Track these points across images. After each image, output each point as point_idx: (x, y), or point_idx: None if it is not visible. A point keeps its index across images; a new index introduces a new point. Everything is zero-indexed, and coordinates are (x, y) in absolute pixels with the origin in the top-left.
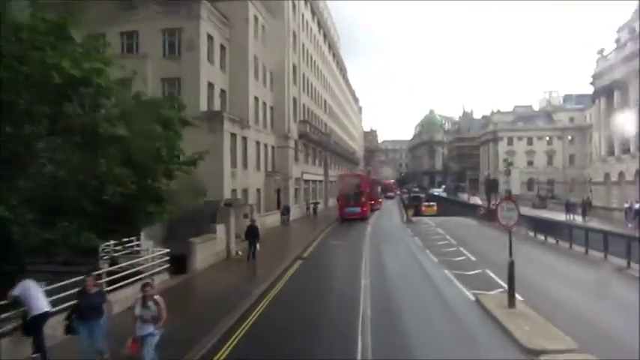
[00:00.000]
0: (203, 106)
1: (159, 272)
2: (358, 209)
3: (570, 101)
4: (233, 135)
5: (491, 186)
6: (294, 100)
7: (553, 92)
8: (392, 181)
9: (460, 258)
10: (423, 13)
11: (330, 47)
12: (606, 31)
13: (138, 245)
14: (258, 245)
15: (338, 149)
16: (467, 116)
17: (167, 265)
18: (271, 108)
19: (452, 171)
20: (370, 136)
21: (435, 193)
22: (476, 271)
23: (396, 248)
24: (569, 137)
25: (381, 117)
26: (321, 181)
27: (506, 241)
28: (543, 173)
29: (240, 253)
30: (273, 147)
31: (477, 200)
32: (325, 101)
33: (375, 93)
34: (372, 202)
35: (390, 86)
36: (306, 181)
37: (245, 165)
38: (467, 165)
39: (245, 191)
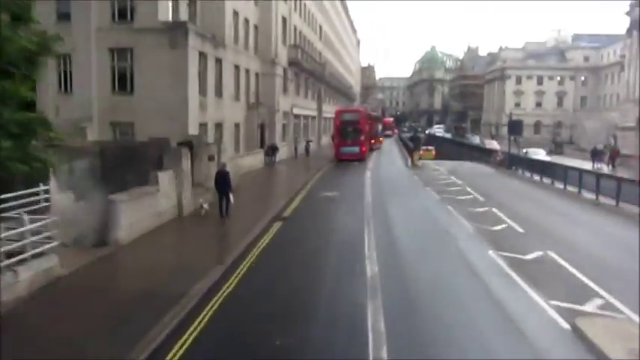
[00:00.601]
0: (164, 16)
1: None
2: (356, 149)
3: (581, 40)
4: (203, 55)
5: (515, 128)
6: (284, 20)
7: (562, 30)
8: (391, 118)
9: (500, 226)
10: None
11: None
12: None
13: (46, 200)
14: (231, 196)
15: (333, 82)
16: (471, 53)
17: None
18: (255, 27)
19: (452, 110)
20: (368, 71)
21: (438, 134)
22: (536, 254)
23: (407, 205)
24: (582, 78)
25: (379, 52)
26: (313, 117)
27: (548, 200)
28: (552, 116)
29: (206, 207)
30: (257, 74)
31: (493, 144)
32: (320, 27)
33: (374, 26)
34: (373, 141)
35: (390, 20)
36: (297, 116)
37: (219, 94)
38: (469, 104)
39: (218, 126)
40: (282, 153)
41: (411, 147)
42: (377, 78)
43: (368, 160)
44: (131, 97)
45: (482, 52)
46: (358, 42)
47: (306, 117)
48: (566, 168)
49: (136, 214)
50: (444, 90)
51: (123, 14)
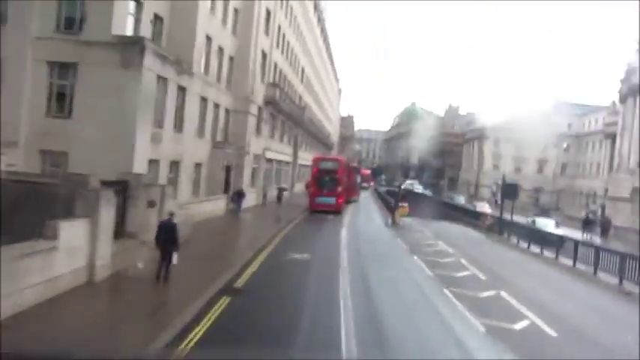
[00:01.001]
0: (119, 29)
1: None
2: (332, 200)
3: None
4: (162, 79)
5: (510, 191)
6: (264, 54)
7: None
8: (369, 170)
9: (522, 324)
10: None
11: (315, 8)
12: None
13: None
14: (175, 256)
15: (312, 128)
16: (452, 111)
17: None
18: (230, 58)
19: (430, 166)
20: (347, 121)
21: (416, 189)
22: None
23: (394, 285)
24: (565, 145)
25: (358, 104)
26: (287, 163)
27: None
28: (532, 180)
29: (140, 266)
30: (227, 110)
31: (485, 207)
32: (303, 69)
33: (355, 77)
34: (350, 192)
35: (372, 73)
36: (270, 160)
37: (179, 127)
38: (447, 162)
39: (175, 165)
40: (250, 199)
41: (391, 204)
42: (355, 129)
43: (344, 214)
44: (69, 121)
45: (462, 112)
46: (340, 91)
47: (279, 162)
48: (576, 242)
49: (12, 282)
50: (421, 146)
51: (70, 23)
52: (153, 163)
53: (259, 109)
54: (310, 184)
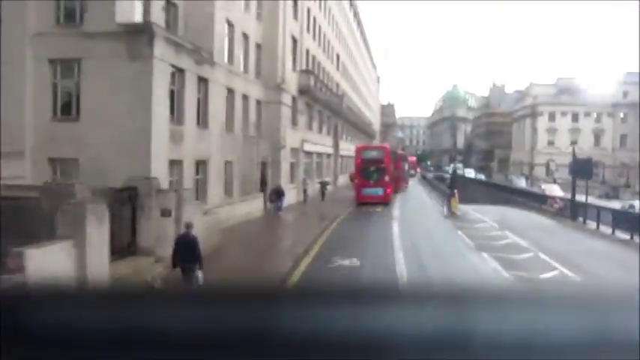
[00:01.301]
0: (124, 16)
1: None
2: (380, 191)
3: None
4: (179, 70)
5: (583, 168)
6: (294, 40)
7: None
8: (414, 157)
9: None
10: None
11: None
12: None
13: None
14: (200, 275)
15: (352, 116)
16: (497, 90)
17: None
18: (257, 45)
19: (478, 149)
20: (387, 109)
21: (468, 174)
22: None
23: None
24: (621, 114)
25: (399, 91)
26: (329, 155)
27: None
28: (589, 155)
29: (157, 285)
30: (258, 101)
31: (554, 190)
32: (338, 55)
33: (394, 64)
34: (398, 182)
35: (410, 59)
36: (308, 153)
37: (204, 123)
38: (495, 143)
39: (202, 165)
40: (290, 197)
41: (448, 192)
42: (397, 117)
43: (393, 205)
44: (77, 124)
45: (509, 90)
46: (378, 78)
47: (319, 155)
48: None
49: None
50: (466, 129)
51: (70, 15)
52: (175, 164)
53: (293, 99)
54: (355, 175)
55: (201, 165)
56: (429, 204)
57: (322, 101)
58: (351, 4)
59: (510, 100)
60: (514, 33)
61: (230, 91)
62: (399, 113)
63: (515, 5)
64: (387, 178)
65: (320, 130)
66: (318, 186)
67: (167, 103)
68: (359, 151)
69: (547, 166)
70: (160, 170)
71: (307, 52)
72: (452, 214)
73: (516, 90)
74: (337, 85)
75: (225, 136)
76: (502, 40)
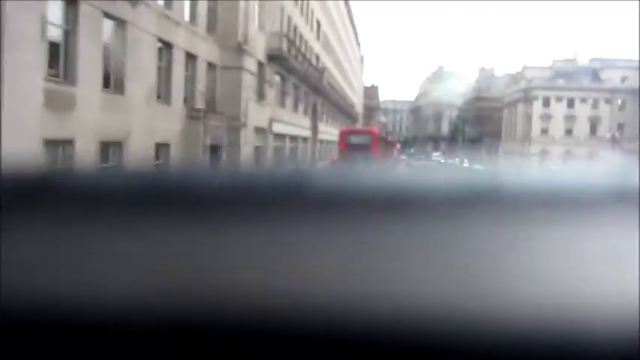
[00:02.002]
0: None
1: None
2: None
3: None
4: (70, 3)
5: None
6: None
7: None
8: (398, 144)
9: None
10: None
11: None
12: None
13: None
14: None
15: (334, 96)
16: (486, 73)
17: None
18: None
19: (465, 136)
20: (371, 91)
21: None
22: None
23: None
24: (619, 102)
25: (382, 73)
26: (305, 138)
27: None
28: (585, 145)
29: None
30: (210, 64)
31: None
32: (319, 23)
33: (377, 44)
34: None
35: (394, 37)
36: (279, 135)
37: (117, 86)
38: (485, 130)
39: (114, 147)
40: None
41: None
42: (380, 100)
43: None
44: None
45: (498, 73)
46: (362, 58)
47: (294, 138)
48: None
49: None
50: (451, 114)
51: None
52: (59, 145)
53: (260, 65)
54: (337, 162)
55: (112, 148)
56: None
57: (298, 73)
58: None
59: (500, 85)
60: (505, 12)
61: (167, 46)
62: (383, 96)
63: None
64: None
65: (295, 109)
66: None
67: (42, 48)
68: (343, 135)
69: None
70: (23, 153)
71: (282, 10)
72: None
73: (507, 73)
74: (317, 58)
75: (156, 108)
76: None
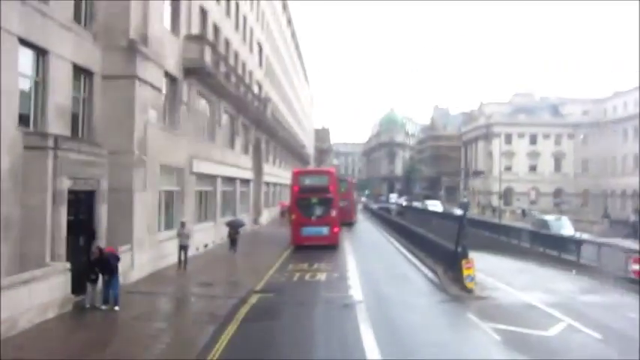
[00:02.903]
0: None
1: None
2: (325, 230)
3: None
4: None
5: None
6: None
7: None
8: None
9: None
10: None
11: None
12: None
13: None
14: None
15: (281, 132)
16: (441, 111)
17: None
18: None
19: (421, 176)
20: (322, 134)
21: (434, 208)
22: None
23: None
24: (581, 136)
25: (333, 117)
26: (246, 182)
27: None
28: (549, 182)
29: None
30: (83, 70)
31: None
32: (260, 46)
33: (325, 87)
34: (349, 214)
35: (343, 83)
36: (207, 177)
37: None
38: (442, 169)
39: None
40: (157, 258)
41: (452, 252)
42: (331, 142)
43: (343, 251)
44: None
45: (453, 112)
46: (312, 98)
47: (229, 180)
48: None
49: None
50: (404, 155)
51: None
52: None
53: (172, 80)
54: (291, 209)
55: None
56: (396, 254)
57: (233, 98)
58: (284, 7)
59: (456, 123)
60: (458, 51)
61: None
62: (334, 139)
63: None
64: (333, 212)
65: (231, 144)
66: (219, 233)
67: None
68: (297, 176)
69: (503, 194)
70: None
71: (203, 12)
72: (467, 292)
73: (462, 112)
74: (259, 87)
75: None
76: (443, 59)
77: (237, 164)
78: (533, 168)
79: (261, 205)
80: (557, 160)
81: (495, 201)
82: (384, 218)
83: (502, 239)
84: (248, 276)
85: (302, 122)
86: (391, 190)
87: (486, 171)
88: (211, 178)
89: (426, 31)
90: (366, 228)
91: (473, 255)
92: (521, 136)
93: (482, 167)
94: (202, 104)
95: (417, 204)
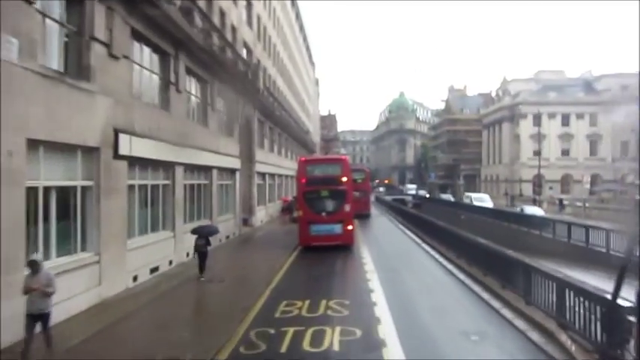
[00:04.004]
0: None
1: None
2: (338, 228)
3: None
4: None
5: None
6: None
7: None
8: None
9: None
10: None
11: None
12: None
13: None
14: None
15: (279, 111)
16: (457, 93)
17: None
18: None
19: (436, 164)
20: (328, 120)
21: (482, 203)
22: None
23: None
24: (621, 115)
25: (339, 104)
26: (231, 171)
27: None
28: (584, 167)
29: None
30: None
31: None
32: (265, 28)
33: (331, 72)
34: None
35: (349, 68)
36: (158, 164)
37: None
38: (461, 156)
39: None
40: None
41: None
42: (338, 130)
43: (360, 255)
44: None
45: (471, 92)
46: (317, 80)
47: (203, 170)
48: None
49: None
50: (416, 142)
51: None
52: None
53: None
54: (298, 204)
55: None
56: (428, 261)
57: (195, 45)
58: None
59: (474, 105)
60: (472, 30)
61: None
62: (340, 127)
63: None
64: (347, 207)
65: (203, 120)
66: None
67: None
68: (304, 166)
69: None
70: None
71: None
72: None
73: (480, 93)
74: (249, 52)
75: None
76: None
77: (213, 148)
78: (565, 152)
79: (254, 202)
80: (593, 142)
81: (526, 190)
82: (398, 210)
83: (579, 243)
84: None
85: (306, 105)
86: (402, 180)
87: (513, 156)
88: (166, 166)
89: (437, 10)
90: (380, 220)
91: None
92: (551, 116)
93: (508, 152)
94: (137, 48)
95: (443, 196)
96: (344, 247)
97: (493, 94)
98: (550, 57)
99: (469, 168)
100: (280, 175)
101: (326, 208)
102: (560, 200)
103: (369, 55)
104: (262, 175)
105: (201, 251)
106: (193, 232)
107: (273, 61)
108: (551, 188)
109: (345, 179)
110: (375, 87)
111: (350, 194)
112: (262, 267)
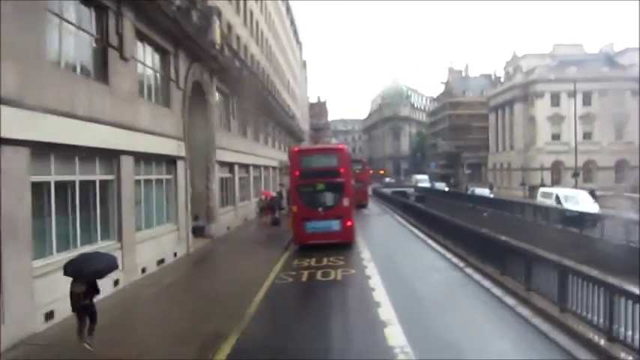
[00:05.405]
0: None
1: None
2: (336, 224)
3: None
4: None
5: None
6: None
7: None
8: None
9: None
10: None
11: None
12: None
13: None
14: None
15: (250, 81)
16: (457, 75)
17: None
18: None
19: (436, 153)
20: (318, 108)
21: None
22: None
23: None
24: None
25: (328, 92)
26: (169, 161)
27: None
28: (608, 152)
29: None
30: None
31: None
32: None
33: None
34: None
35: (339, 53)
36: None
37: None
38: (464, 143)
39: None
40: None
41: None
42: (328, 119)
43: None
44: None
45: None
46: (304, 63)
47: (92, 160)
48: None
49: None
50: (411, 130)
51: None
52: None
53: None
54: (292, 199)
55: None
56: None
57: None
58: None
59: (477, 87)
60: (466, 8)
61: None
62: (330, 116)
63: None
64: (345, 201)
65: (100, 75)
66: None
67: None
68: (297, 156)
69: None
70: None
71: None
72: None
73: (483, 74)
74: (228, 26)
75: None
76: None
77: (120, 119)
78: (588, 135)
79: (214, 203)
80: (619, 123)
81: (546, 179)
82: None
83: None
84: None
85: (291, 87)
86: (397, 171)
87: (527, 141)
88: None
89: None
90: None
91: None
92: (571, 95)
93: (521, 137)
94: None
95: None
96: (344, 245)
97: (499, 74)
98: (561, 31)
99: (473, 156)
100: (258, 166)
101: (323, 202)
102: (592, 191)
103: (359, 39)
104: (229, 165)
105: (83, 305)
106: (66, 272)
107: (254, 38)
108: (577, 174)
109: (343, 170)
110: (367, 73)
111: (349, 187)
112: (204, 327)
